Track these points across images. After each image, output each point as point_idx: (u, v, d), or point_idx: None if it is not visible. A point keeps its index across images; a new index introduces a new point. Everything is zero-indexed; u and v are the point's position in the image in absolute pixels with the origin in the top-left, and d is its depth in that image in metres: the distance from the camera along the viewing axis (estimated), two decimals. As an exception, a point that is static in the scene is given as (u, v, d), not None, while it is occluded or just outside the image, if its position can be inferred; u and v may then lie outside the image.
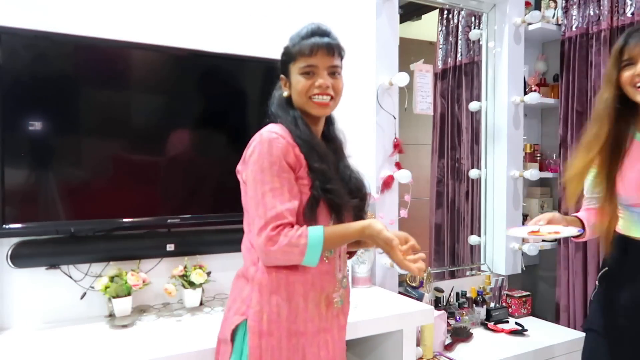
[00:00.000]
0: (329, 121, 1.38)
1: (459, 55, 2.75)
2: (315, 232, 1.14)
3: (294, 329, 1.20)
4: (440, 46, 2.76)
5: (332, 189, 1.21)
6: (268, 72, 1.95)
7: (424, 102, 2.34)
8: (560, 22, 2.65)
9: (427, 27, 2.74)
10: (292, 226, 1.15)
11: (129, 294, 1.67)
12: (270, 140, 1.18)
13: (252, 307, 1.20)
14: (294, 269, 1.20)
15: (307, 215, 1.19)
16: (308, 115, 1.27)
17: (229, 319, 1.25)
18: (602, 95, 1.46)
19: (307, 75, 1.23)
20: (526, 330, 2.30)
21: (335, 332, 1.29)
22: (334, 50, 1.25)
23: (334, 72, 1.26)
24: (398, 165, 2.26)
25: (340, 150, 1.37)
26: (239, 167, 1.27)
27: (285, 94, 1.29)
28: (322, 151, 1.24)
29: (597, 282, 1.57)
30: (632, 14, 2.29)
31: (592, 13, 2.45)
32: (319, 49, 1.22)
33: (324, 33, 1.25)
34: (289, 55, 1.27)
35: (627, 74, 1.38)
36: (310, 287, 1.23)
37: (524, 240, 2.62)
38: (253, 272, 1.23)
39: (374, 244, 1.20)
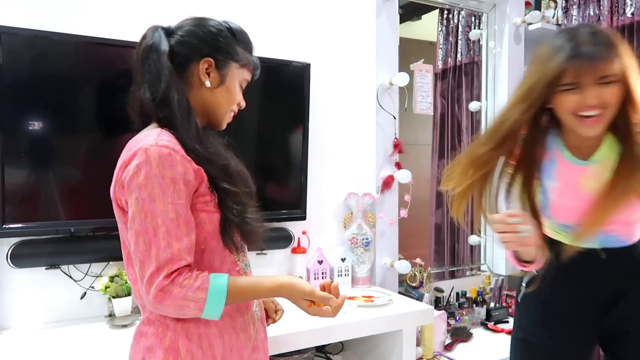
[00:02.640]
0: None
1: (459, 55, 2.75)
2: (217, 286, 0.93)
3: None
4: (440, 46, 2.76)
5: (247, 219, 1.02)
6: (268, 72, 1.96)
7: (424, 102, 2.34)
8: (560, 22, 2.65)
9: (427, 27, 2.74)
10: (190, 269, 0.93)
11: (129, 294, 1.67)
12: (160, 158, 0.92)
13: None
14: None
15: (226, 238, 1.01)
16: (200, 118, 1.10)
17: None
18: (512, 114, 1.20)
19: (241, 88, 1.13)
20: (526, 330, 2.30)
21: (262, 350, 1.14)
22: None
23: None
24: (398, 165, 2.26)
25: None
26: (116, 191, 0.99)
27: (208, 84, 1.05)
28: (229, 164, 1.04)
29: (523, 284, 1.39)
30: (632, 14, 2.29)
31: (592, 13, 2.45)
32: (258, 72, 1.17)
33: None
34: (234, 53, 1.08)
35: (570, 100, 1.11)
36: (236, 310, 1.05)
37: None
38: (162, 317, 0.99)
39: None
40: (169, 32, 1.08)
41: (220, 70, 1.06)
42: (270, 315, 1.26)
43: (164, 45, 1.04)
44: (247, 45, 1.12)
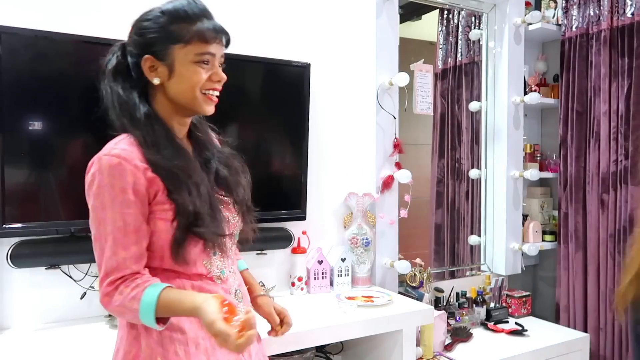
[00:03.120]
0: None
1: (459, 55, 2.75)
2: (148, 298, 0.93)
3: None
4: (440, 46, 2.76)
5: (200, 232, 1.00)
6: (268, 72, 1.96)
7: (424, 102, 2.34)
8: (560, 22, 2.65)
9: (427, 27, 2.74)
10: (136, 276, 0.96)
11: (129, 294, 1.67)
12: (110, 167, 0.95)
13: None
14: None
15: (175, 255, 1.00)
16: (180, 115, 1.07)
17: None
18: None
19: (203, 65, 1.02)
20: (526, 330, 2.30)
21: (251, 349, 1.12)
22: (228, 40, 1.06)
23: (221, 65, 1.07)
24: (398, 165, 2.26)
25: (209, 144, 1.15)
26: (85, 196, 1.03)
27: (157, 81, 1.02)
28: (189, 175, 1.01)
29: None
30: (632, 14, 2.29)
31: (592, 13, 2.45)
32: (219, 35, 1.02)
33: (211, 14, 1.04)
34: (171, 35, 1.00)
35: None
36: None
37: (524, 240, 2.62)
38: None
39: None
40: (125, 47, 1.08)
41: (164, 61, 1.01)
42: (274, 327, 1.22)
43: (110, 64, 1.06)
44: (187, 18, 1.01)
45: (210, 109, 1.07)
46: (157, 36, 1.01)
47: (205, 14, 1.03)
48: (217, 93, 1.06)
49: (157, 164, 0.98)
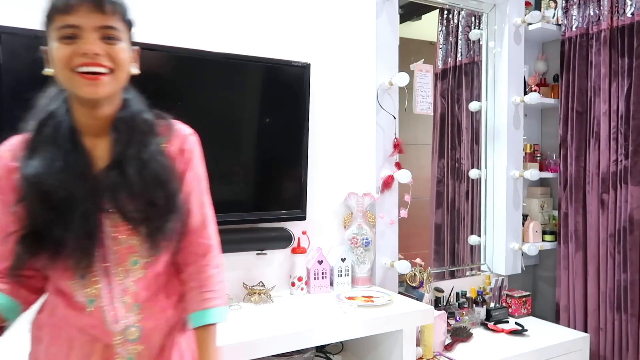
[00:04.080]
0: (125, 105, 1.00)
1: (459, 55, 2.75)
2: None
3: None
4: (440, 46, 2.76)
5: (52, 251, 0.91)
6: (268, 72, 1.96)
7: (424, 102, 2.34)
8: (560, 22, 2.65)
9: (427, 27, 2.74)
10: None
11: (129, 294, 1.67)
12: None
13: None
14: (50, 320, 1.00)
15: (13, 264, 0.94)
16: (81, 106, 0.94)
17: None
18: None
19: (68, 40, 0.88)
20: (526, 330, 2.30)
21: None
22: (103, 5, 0.88)
23: (109, 37, 0.90)
24: (398, 165, 2.26)
25: (135, 143, 0.97)
26: None
27: (49, 71, 0.93)
28: (45, 183, 0.89)
29: None
30: (632, 14, 2.29)
31: (592, 13, 2.45)
32: (79, 2, 0.87)
33: None
34: (47, 16, 0.90)
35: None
36: (69, 350, 0.98)
37: (524, 240, 2.62)
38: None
39: None
40: None
41: (48, 48, 0.93)
42: None
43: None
44: (52, 4, 0.91)
45: (87, 90, 0.89)
46: (44, 21, 0.92)
47: None
48: (96, 69, 0.89)
49: (20, 164, 0.93)
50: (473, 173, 2.69)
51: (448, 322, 2.25)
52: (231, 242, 1.71)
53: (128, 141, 0.96)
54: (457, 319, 2.34)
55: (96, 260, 0.94)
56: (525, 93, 2.63)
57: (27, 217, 0.90)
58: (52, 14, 0.89)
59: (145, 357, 0.99)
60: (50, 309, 1.00)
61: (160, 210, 0.95)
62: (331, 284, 2.07)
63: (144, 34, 1.80)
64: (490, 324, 2.38)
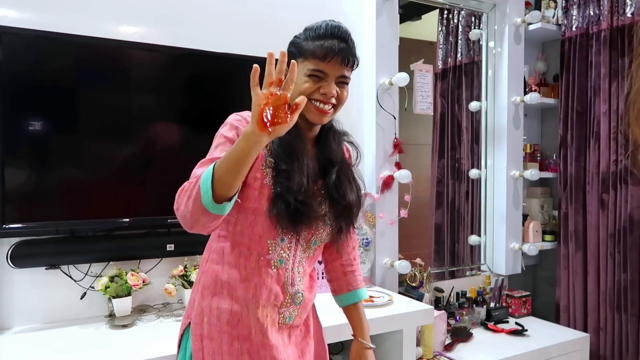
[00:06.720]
0: (326, 128, 1.23)
1: (459, 55, 2.75)
2: (205, 174, 0.99)
3: (235, 334, 1.13)
4: (440, 46, 2.76)
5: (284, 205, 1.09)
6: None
7: (424, 102, 2.34)
8: (560, 22, 2.65)
9: (427, 27, 2.74)
10: None
11: (129, 294, 1.67)
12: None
13: (194, 310, 1.16)
14: (237, 274, 1.13)
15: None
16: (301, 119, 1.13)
17: (181, 323, 1.22)
18: None
19: (315, 78, 1.11)
20: (526, 330, 2.30)
21: (289, 352, 1.18)
22: (349, 61, 1.12)
23: (343, 82, 1.14)
24: (398, 165, 2.26)
25: (333, 162, 1.20)
26: None
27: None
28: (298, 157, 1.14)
29: None
30: (632, 14, 2.29)
31: (592, 13, 2.45)
32: (334, 56, 1.10)
33: (342, 37, 1.13)
34: (299, 50, 1.15)
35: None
36: (252, 296, 1.13)
37: (524, 240, 2.62)
38: (199, 274, 1.20)
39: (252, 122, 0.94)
40: None
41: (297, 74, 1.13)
42: None
43: None
44: (307, 34, 1.17)
45: (315, 118, 1.15)
46: (292, 50, 1.20)
47: (335, 34, 1.14)
48: (328, 106, 1.14)
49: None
50: (473, 173, 2.69)
51: (448, 322, 2.25)
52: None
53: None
54: (457, 319, 2.34)
55: (300, 232, 1.15)
56: (525, 93, 2.63)
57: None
58: (309, 55, 1.12)
59: (297, 321, 1.22)
60: (245, 273, 1.13)
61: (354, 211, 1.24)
62: (331, 284, 2.07)
63: (142, 34, 1.80)
64: (491, 324, 2.38)
